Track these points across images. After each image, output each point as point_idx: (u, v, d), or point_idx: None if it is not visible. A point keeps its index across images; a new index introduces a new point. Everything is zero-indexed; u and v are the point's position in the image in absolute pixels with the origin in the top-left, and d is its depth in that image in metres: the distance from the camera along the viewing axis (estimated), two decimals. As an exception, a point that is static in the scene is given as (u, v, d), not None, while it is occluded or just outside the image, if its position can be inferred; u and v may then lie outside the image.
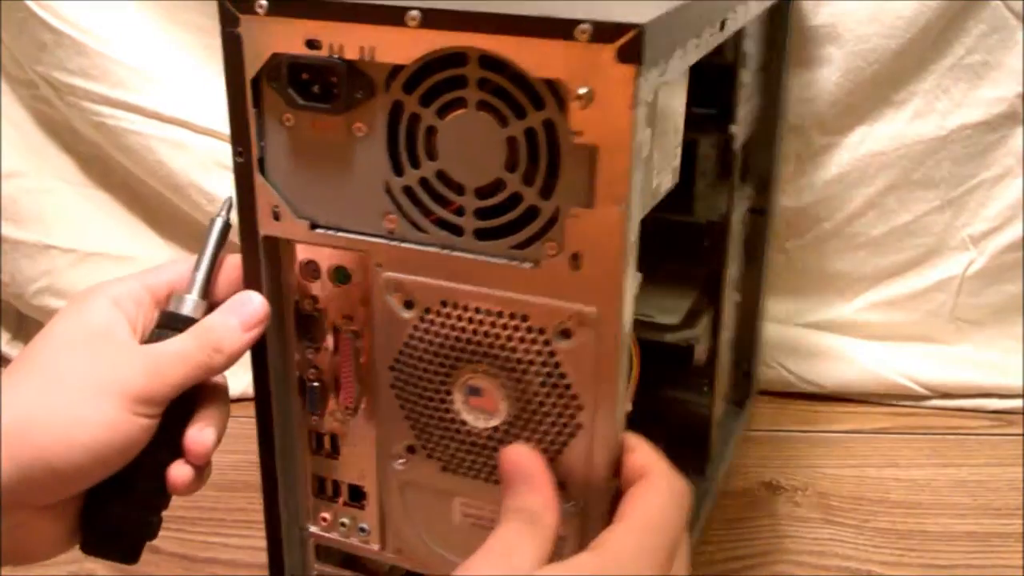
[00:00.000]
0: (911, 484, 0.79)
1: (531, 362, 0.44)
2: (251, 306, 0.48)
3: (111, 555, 0.48)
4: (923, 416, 0.88)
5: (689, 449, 0.72)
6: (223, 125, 0.48)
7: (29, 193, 0.93)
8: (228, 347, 0.47)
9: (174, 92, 0.90)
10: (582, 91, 0.39)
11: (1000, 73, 0.84)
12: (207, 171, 0.89)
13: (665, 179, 0.49)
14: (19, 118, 0.93)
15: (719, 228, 0.69)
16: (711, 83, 0.62)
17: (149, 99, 0.89)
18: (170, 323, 0.48)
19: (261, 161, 0.47)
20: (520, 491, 0.42)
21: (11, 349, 0.98)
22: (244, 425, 0.54)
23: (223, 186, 0.89)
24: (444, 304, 0.45)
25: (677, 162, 0.51)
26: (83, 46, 0.87)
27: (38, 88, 0.91)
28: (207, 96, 0.89)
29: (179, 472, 0.47)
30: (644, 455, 0.44)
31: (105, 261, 0.94)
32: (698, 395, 0.73)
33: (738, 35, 0.62)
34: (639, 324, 0.66)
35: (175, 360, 0.46)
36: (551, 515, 0.41)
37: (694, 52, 0.46)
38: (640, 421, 0.70)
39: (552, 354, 0.44)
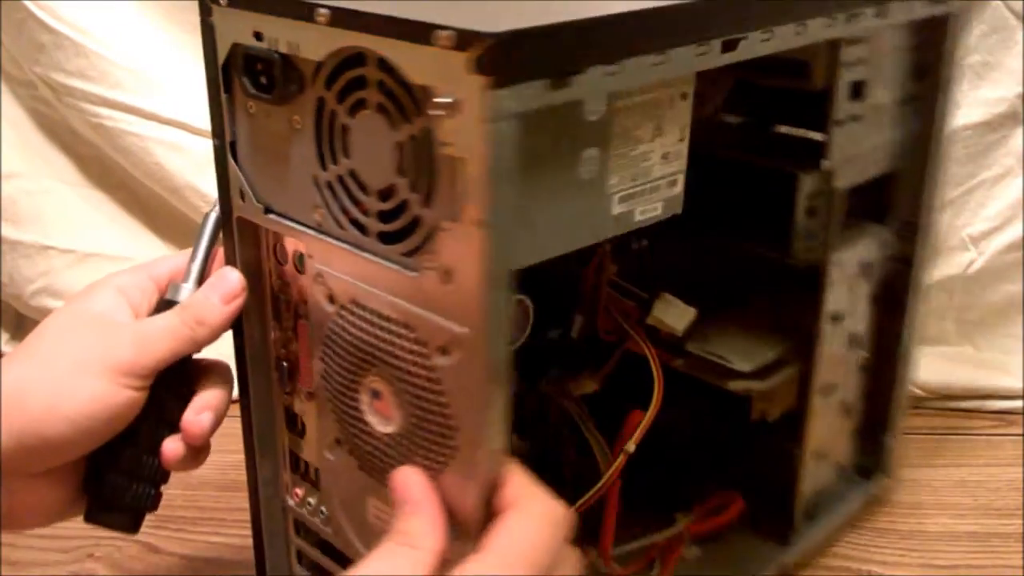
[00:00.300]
0: (911, 484, 0.79)
1: (413, 374, 0.43)
2: (229, 282, 0.50)
3: (111, 524, 0.50)
4: (923, 416, 0.88)
5: (774, 512, 0.67)
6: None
7: (27, 194, 0.93)
8: (210, 319, 0.49)
9: (172, 94, 0.90)
10: (444, 100, 0.37)
11: (1000, 73, 0.84)
12: (204, 173, 0.89)
13: (646, 207, 0.47)
14: (18, 119, 0.93)
15: (813, 274, 0.61)
16: (818, 111, 0.58)
17: (147, 101, 0.89)
18: (166, 310, 0.50)
19: (233, 145, 0.48)
20: (403, 513, 0.42)
21: (9, 349, 0.97)
22: (245, 425, 0.54)
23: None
24: (354, 303, 0.45)
25: (675, 191, 0.49)
26: (81, 47, 0.87)
27: (37, 89, 0.91)
28: (205, 98, 0.89)
29: (172, 447, 0.49)
30: (516, 486, 0.42)
31: (103, 262, 0.94)
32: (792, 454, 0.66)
33: (833, 62, 0.56)
34: (704, 364, 0.61)
35: (162, 333, 0.48)
36: (432, 539, 0.41)
37: (645, 72, 0.42)
38: (719, 472, 0.67)
39: (431, 369, 0.42)
